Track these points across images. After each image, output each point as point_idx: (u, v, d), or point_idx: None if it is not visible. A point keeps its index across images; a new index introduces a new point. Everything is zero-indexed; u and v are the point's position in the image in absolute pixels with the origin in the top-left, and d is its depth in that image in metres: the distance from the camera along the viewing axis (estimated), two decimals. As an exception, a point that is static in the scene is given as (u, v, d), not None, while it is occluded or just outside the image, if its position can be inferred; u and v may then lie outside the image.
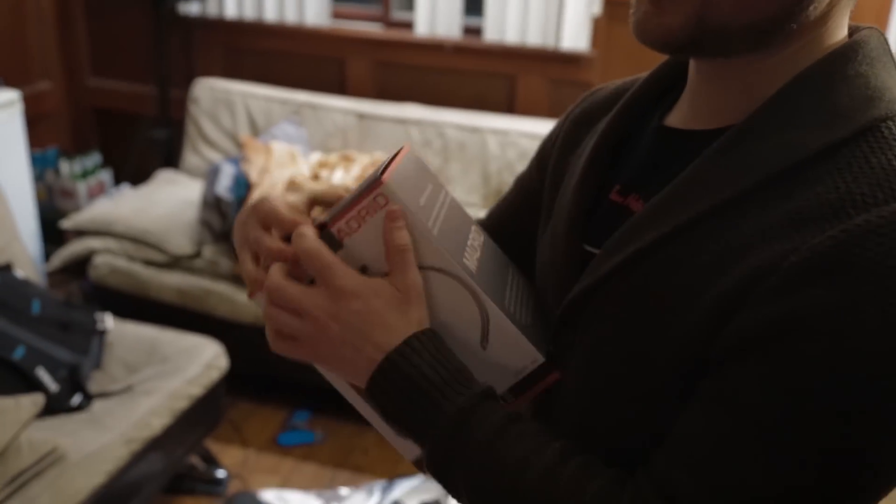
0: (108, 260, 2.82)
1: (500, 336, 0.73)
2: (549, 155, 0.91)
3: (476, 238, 0.79)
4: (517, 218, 0.95)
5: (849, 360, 0.56)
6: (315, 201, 0.75)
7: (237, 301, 2.72)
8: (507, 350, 0.74)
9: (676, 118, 0.76)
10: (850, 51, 0.66)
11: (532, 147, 2.97)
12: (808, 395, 0.57)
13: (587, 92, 0.93)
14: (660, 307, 0.66)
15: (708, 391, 0.62)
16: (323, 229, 0.69)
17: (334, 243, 0.69)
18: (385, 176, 0.67)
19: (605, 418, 0.73)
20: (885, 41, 0.68)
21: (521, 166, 3.00)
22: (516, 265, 0.86)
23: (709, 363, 0.63)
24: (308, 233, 0.68)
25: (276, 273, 0.69)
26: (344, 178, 2.91)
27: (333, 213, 0.70)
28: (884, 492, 0.60)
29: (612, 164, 0.79)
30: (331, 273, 0.68)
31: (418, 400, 0.68)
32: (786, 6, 0.62)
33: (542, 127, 3.04)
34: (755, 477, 0.60)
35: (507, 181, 3.03)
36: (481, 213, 2.98)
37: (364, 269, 0.70)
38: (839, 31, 0.68)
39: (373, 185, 0.68)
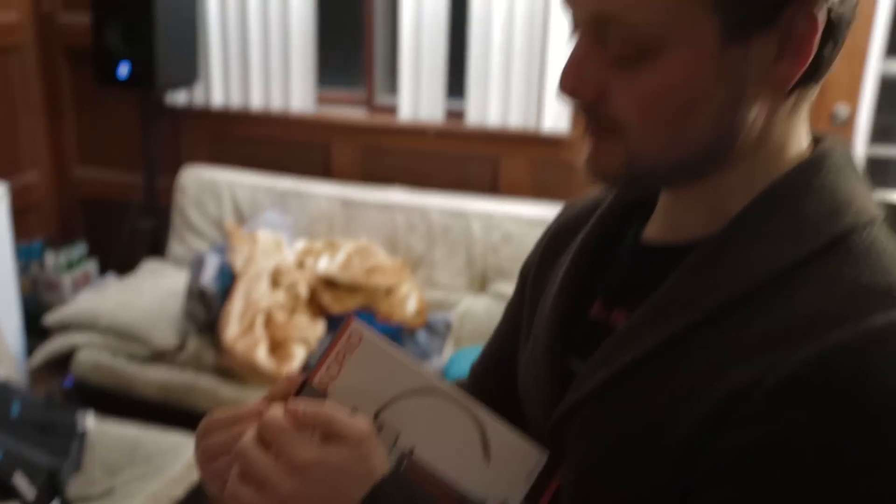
0: (92, 355, 2.80)
1: (501, 444, 0.73)
2: (529, 272, 0.93)
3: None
4: (513, 343, 0.94)
5: (833, 481, 0.57)
6: (272, 398, 0.74)
7: (220, 396, 2.70)
8: (511, 456, 0.73)
9: (652, 231, 0.77)
10: (816, 163, 0.68)
11: (516, 230, 3.04)
12: None
13: (565, 205, 0.96)
14: (644, 424, 0.67)
15: None
16: (304, 386, 0.70)
17: (318, 395, 0.69)
18: (351, 319, 0.70)
19: None
20: (849, 151, 0.71)
21: (504, 249, 3.04)
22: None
23: (692, 485, 0.63)
24: (273, 409, 0.68)
25: (248, 439, 0.68)
26: (329, 265, 2.94)
27: (311, 370, 0.71)
28: None
29: (591, 278, 0.81)
30: (288, 446, 0.67)
31: None
32: (710, 145, 0.66)
33: (526, 209, 3.10)
34: None
35: (492, 264, 3.08)
36: (466, 298, 3.00)
37: (355, 410, 0.70)
38: (798, 141, 0.70)
39: (342, 329, 0.70)
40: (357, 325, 0.70)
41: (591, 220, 0.84)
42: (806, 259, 0.64)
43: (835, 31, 0.64)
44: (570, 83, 0.67)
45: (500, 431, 0.73)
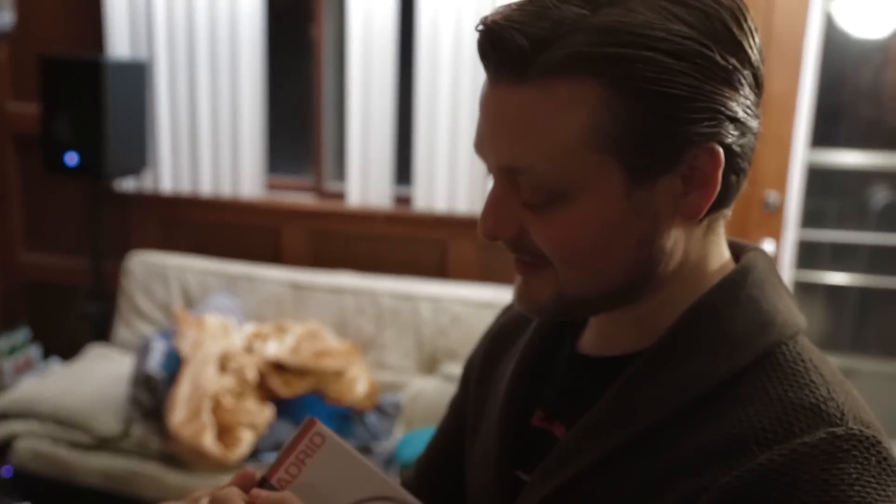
0: (32, 444, 2.74)
1: None
2: (472, 373, 0.95)
3: None
4: (459, 444, 0.94)
5: None
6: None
7: (166, 483, 2.65)
8: None
9: (588, 343, 0.79)
10: (740, 277, 0.71)
11: (465, 312, 3.06)
12: None
13: (504, 306, 0.97)
14: None
15: None
16: (263, 483, 0.70)
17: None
18: (314, 421, 0.70)
19: None
20: (771, 262, 0.74)
21: (453, 331, 3.04)
22: (462, 492, 0.88)
23: None
24: (230, 491, 0.68)
25: None
26: (279, 348, 2.92)
27: (270, 467, 0.71)
28: None
29: (532, 387, 0.82)
30: None
31: None
32: (631, 275, 0.68)
33: (475, 291, 3.13)
34: None
35: (441, 346, 3.08)
36: (416, 380, 3.00)
37: None
38: (717, 256, 0.73)
39: (304, 429, 0.70)
40: (320, 427, 0.70)
41: (528, 328, 0.86)
42: (736, 375, 0.66)
43: (738, 162, 0.67)
44: (490, 226, 0.69)
45: None
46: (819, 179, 3.16)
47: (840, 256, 3.28)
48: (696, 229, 0.70)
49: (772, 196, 3.04)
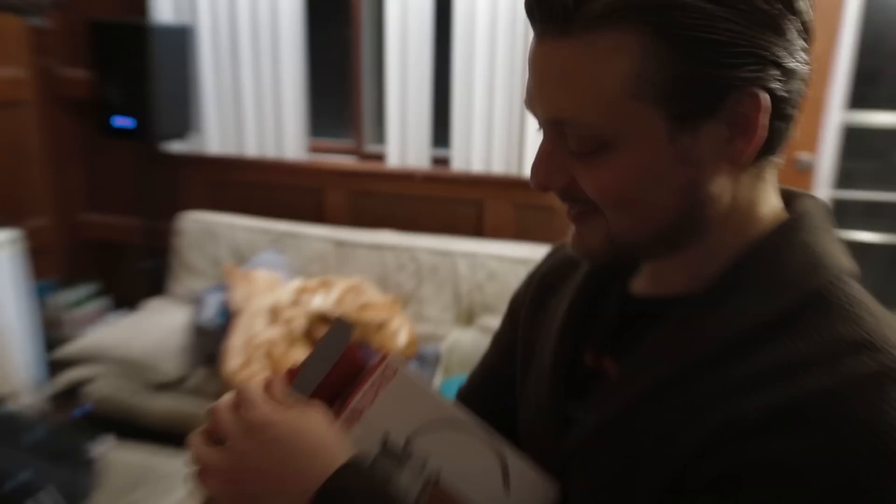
0: (101, 387, 2.84)
1: (519, 476, 0.76)
2: (519, 313, 0.95)
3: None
4: (499, 375, 0.96)
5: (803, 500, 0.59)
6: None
7: None
8: (528, 487, 0.76)
9: (640, 285, 0.79)
10: (795, 223, 0.70)
11: (499, 268, 3.06)
12: None
13: (549, 250, 0.98)
14: (640, 459, 0.69)
15: None
16: (340, 412, 0.73)
17: (354, 418, 0.72)
18: (387, 354, 0.73)
19: None
20: (825, 209, 0.74)
21: (489, 286, 3.09)
22: (502, 420, 0.86)
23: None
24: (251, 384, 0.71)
25: (223, 400, 0.71)
26: (324, 301, 2.96)
27: (338, 394, 0.74)
28: None
29: (583, 327, 0.83)
30: (250, 404, 0.69)
31: None
32: (678, 220, 0.68)
33: (509, 249, 3.12)
34: None
35: (477, 300, 3.10)
36: (454, 331, 3.06)
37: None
38: (767, 203, 0.72)
39: (378, 362, 0.73)
40: (392, 360, 0.73)
41: (578, 271, 0.86)
42: (785, 312, 0.65)
43: (784, 108, 0.65)
44: (540, 177, 0.70)
45: (519, 465, 0.76)
46: (854, 140, 3.07)
47: (871, 216, 3.27)
48: (744, 176, 0.69)
49: (804, 156, 3.02)
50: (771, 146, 0.67)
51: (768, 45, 0.62)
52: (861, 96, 3.06)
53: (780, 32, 0.63)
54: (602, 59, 0.63)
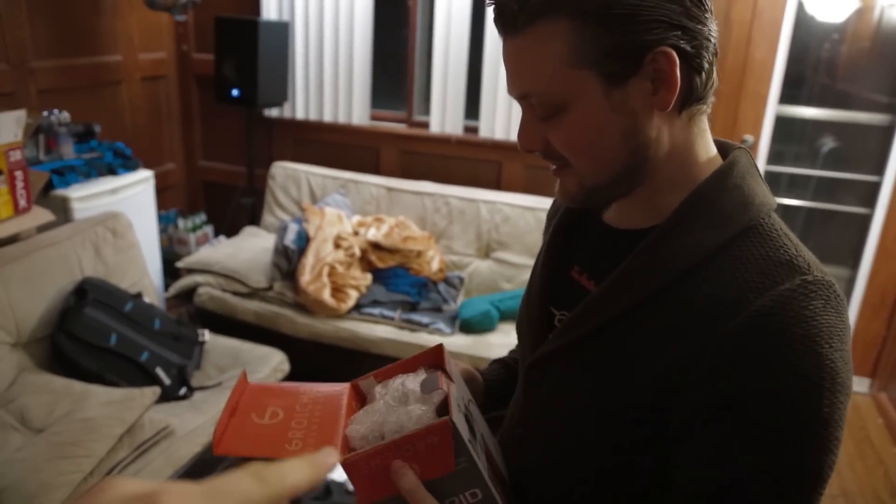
0: (208, 290, 2.85)
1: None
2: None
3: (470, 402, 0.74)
4: None
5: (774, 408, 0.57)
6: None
7: (297, 322, 2.74)
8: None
9: (611, 217, 0.76)
10: (728, 168, 0.67)
11: (512, 213, 3.02)
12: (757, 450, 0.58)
13: (554, 199, 0.94)
14: (613, 371, 0.66)
15: (681, 458, 0.62)
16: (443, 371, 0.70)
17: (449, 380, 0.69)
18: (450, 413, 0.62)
19: (558, 466, 0.72)
20: (750, 157, 0.70)
21: (504, 227, 3.04)
22: None
23: (669, 435, 0.62)
24: (407, 472, 0.61)
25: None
26: (376, 233, 2.95)
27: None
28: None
29: (571, 247, 0.80)
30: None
31: None
32: (627, 162, 0.66)
33: (520, 199, 3.07)
34: None
35: (494, 238, 3.05)
36: (475, 262, 3.00)
37: (462, 399, 0.69)
38: (704, 148, 0.69)
39: (440, 378, 0.68)
40: (445, 380, 0.69)
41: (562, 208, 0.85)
42: (726, 242, 0.63)
43: (694, 61, 0.63)
44: (523, 141, 0.69)
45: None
46: (784, 127, 3.07)
47: (794, 186, 3.23)
48: (677, 121, 0.66)
49: (748, 138, 2.98)
50: (692, 94, 0.64)
51: (668, 13, 0.60)
52: (790, 95, 3.03)
53: (678, 2, 0.61)
54: (544, 42, 0.62)
